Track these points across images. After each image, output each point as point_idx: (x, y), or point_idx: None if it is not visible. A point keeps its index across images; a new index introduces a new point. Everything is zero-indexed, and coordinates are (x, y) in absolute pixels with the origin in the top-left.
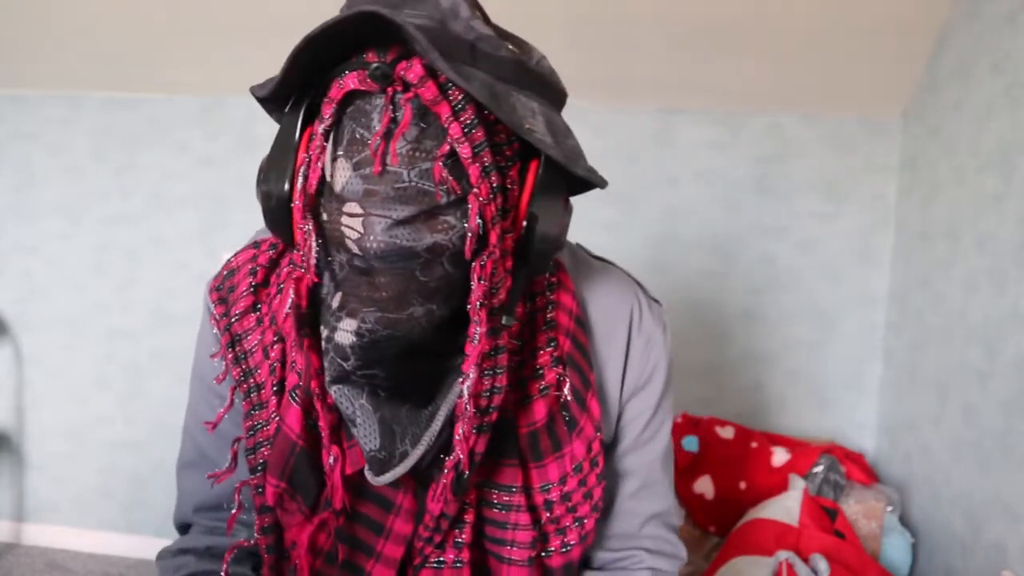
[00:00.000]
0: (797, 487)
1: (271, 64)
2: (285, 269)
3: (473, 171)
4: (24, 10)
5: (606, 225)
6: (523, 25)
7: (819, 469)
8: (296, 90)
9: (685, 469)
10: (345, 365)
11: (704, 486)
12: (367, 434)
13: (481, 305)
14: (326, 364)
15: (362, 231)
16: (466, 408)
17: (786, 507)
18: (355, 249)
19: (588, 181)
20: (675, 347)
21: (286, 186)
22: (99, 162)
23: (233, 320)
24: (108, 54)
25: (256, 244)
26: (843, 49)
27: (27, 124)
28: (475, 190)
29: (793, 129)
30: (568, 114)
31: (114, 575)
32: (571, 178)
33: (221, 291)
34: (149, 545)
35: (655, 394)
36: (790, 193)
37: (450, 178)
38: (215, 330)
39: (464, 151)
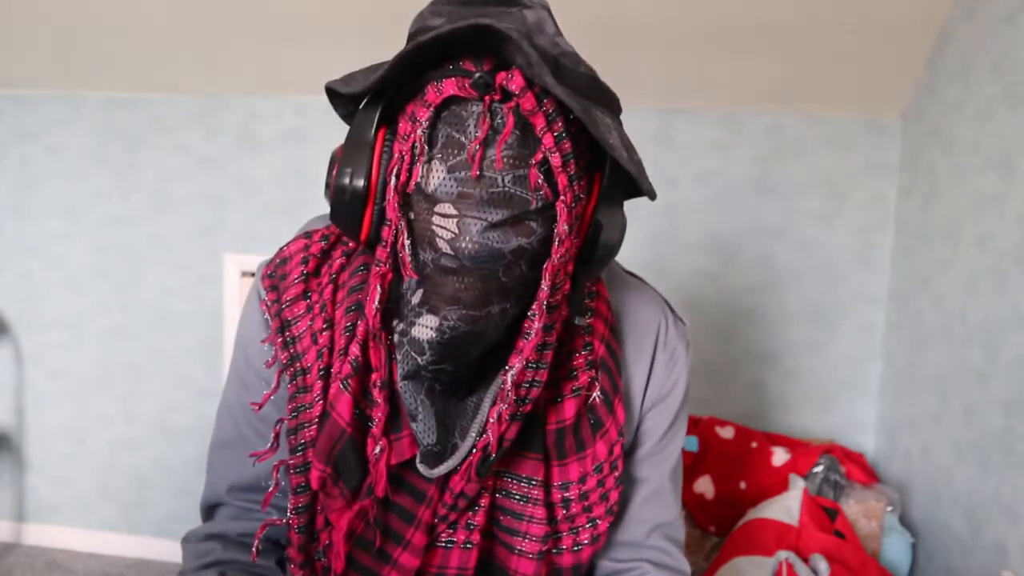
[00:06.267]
0: (797, 487)
1: (271, 64)
2: (356, 260)
3: (562, 179)
4: (24, 10)
5: None
6: None
7: (819, 469)
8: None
9: (685, 469)
10: (420, 360)
11: (704, 486)
12: (426, 429)
13: (548, 304)
14: (399, 358)
15: (456, 232)
16: (507, 394)
17: (786, 507)
18: (447, 249)
19: (632, 191)
20: None
21: (362, 182)
22: (99, 162)
23: (284, 306)
24: (108, 54)
25: (308, 234)
26: (843, 49)
27: (27, 124)
28: (563, 197)
29: (793, 129)
30: None
31: (114, 575)
32: (626, 189)
33: (273, 278)
34: (149, 545)
35: (673, 407)
36: (790, 193)
37: (545, 184)
38: (265, 315)
39: (555, 160)
